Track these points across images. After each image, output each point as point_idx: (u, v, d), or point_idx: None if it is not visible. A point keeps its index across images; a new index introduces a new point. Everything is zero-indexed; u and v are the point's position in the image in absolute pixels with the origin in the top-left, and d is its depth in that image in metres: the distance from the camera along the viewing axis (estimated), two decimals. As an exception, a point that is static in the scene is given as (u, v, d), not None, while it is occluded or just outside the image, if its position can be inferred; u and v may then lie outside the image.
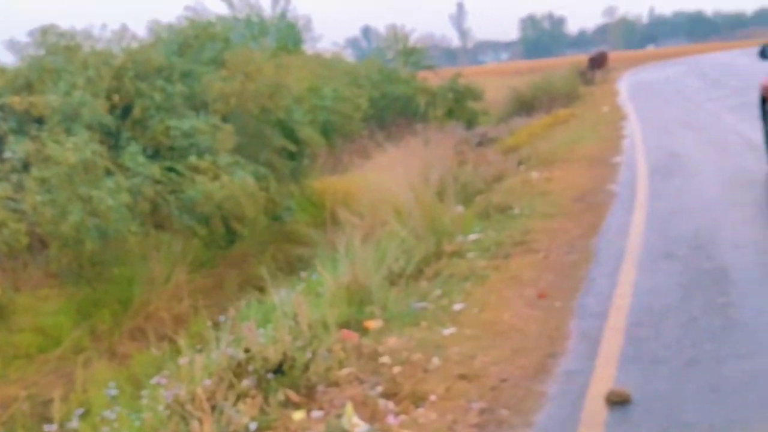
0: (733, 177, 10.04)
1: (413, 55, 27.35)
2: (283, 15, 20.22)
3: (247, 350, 4.59)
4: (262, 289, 11.82)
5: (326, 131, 16.91)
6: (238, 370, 4.56)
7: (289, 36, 18.17)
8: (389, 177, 11.57)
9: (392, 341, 5.45)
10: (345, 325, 6.02)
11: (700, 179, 9.98)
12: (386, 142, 22.61)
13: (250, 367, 4.53)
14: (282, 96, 13.23)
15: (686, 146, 12.92)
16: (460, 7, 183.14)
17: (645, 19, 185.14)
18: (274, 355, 4.60)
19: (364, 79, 22.75)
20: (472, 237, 8.60)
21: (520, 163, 14.24)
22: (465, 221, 9.27)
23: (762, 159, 10.26)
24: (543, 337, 5.23)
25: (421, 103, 27.22)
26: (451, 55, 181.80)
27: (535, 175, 12.00)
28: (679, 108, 19.72)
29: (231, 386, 4.46)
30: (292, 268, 11.75)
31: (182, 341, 5.38)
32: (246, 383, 4.45)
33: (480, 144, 22.68)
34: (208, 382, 4.49)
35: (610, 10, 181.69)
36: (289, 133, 13.70)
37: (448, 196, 10.06)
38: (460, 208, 10.76)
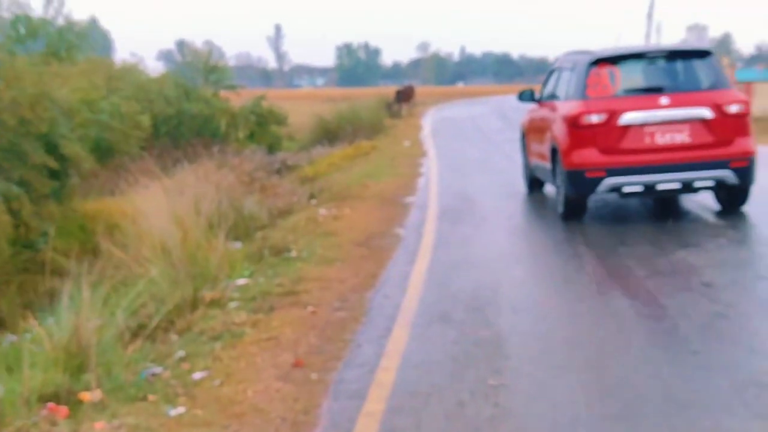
0: (519, 226, 9.76)
1: (214, 73, 26.11)
2: (58, 17, 18.29)
3: None
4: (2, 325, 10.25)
5: (101, 148, 15.35)
6: None
7: (61, 41, 16.46)
8: (167, 203, 10.35)
9: (99, 426, 4.37)
10: (54, 397, 4.88)
11: (487, 227, 9.55)
12: (179, 163, 21.30)
13: None
14: (46, 107, 11.70)
15: (479, 189, 12.63)
16: (278, 29, 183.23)
17: (456, 56, 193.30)
18: None
19: (157, 94, 21.26)
20: (240, 282, 7.66)
21: (311, 196, 13.48)
22: (235, 263, 8.30)
23: (547, 205, 10.12)
24: (286, 425, 4.34)
25: (221, 124, 26.05)
26: (267, 76, 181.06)
27: (323, 212, 11.23)
28: (478, 147, 19.77)
29: None
30: (48, 302, 10.29)
31: None
32: None
33: (278, 171, 21.83)
34: None
35: (423, 46, 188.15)
36: (53, 149, 12.15)
37: (223, 231, 9.07)
38: (237, 245, 9.81)
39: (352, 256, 8.36)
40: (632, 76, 9.74)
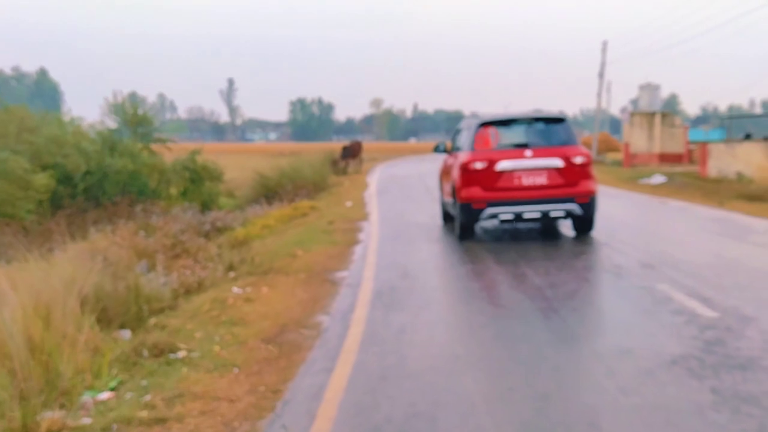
0: (469, 314, 7.98)
1: (142, 125, 24.25)
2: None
3: None
4: None
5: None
6: None
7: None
8: (33, 280, 8.42)
9: None
10: None
11: (429, 315, 7.79)
12: (98, 223, 19.33)
13: None
14: None
15: (422, 262, 10.94)
16: (231, 83, 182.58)
17: (409, 113, 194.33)
18: None
19: (73, 148, 19.29)
20: (101, 397, 5.80)
21: (230, 267, 11.66)
22: (101, 367, 6.41)
23: (502, 287, 8.46)
24: None
25: (151, 180, 24.15)
26: (220, 130, 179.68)
27: (236, 290, 9.42)
28: (424, 209, 18.16)
29: None
30: None
31: None
32: None
33: (207, 234, 19.97)
34: None
35: (376, 102, 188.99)
36: None
37: (90, 318, 7.24)
38: (125, 334, 7.96)
39: (255, 359, 6.55)
40: (507, 134, 12.68)
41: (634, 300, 7.94)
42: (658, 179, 31.34)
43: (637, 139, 50.10)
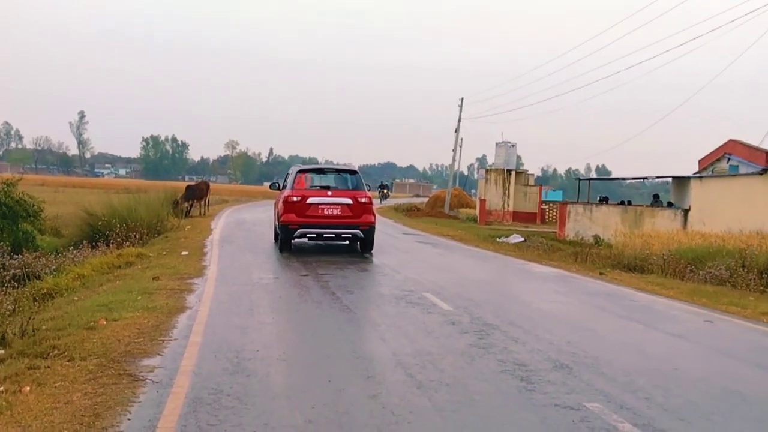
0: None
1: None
2: None
3: None
4: None
5: None
6: None
7: None
8: None
9: None
10: None
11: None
12: None
13: None
14: None
15: (264, 346, 8.25)
16: (82, 115, 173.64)
17: (264, 157, 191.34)
18: None
19: None
20: None
21: (2, 341, 8.59)
22: None
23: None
24: None
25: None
26: (67, 163, 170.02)
27: (-12, 386, 6.44)
28: (272, 265, 15.59)
29: None
30: None
31: None
32: None
33: (9, 281, 16.50)
34: None
35: (231, 144, 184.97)
36: None
37: None
38: None
39: None
40: (317, 179, 18.27)
41: None
42: (517, 239, 30.22)
43: (492, 196, 49.49)
